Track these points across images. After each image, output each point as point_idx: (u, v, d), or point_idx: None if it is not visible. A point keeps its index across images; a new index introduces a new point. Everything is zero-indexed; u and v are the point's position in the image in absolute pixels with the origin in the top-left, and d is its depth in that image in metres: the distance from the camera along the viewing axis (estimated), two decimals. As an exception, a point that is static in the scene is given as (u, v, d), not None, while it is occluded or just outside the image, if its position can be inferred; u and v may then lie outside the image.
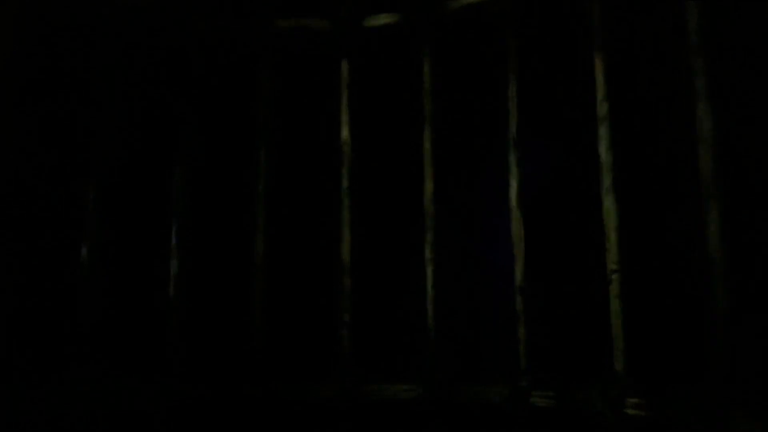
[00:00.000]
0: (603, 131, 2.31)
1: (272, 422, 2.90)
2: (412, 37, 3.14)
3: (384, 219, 3.09)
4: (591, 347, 2.41)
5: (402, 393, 2.82)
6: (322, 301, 3.07)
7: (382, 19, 3.17)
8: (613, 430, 2.17)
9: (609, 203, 2.28)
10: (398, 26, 3.17)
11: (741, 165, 1.95)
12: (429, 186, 2.95)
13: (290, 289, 3.11)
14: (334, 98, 3.21)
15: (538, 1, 2.72)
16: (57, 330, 2.73)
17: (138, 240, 3.00)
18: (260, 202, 3.13)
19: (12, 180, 2.73)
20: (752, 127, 1.94)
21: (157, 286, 2.92)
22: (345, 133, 3.13)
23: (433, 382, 2.76)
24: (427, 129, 3.00)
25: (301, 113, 3.27)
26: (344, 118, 3.14)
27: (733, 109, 1.98)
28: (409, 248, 2.94)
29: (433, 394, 2.75)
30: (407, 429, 2.78)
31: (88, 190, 2.83)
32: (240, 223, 3.14)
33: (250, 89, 3.22)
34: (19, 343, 2.66)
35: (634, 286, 2.21)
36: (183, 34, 3.11)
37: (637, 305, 2.21)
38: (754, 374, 1.87)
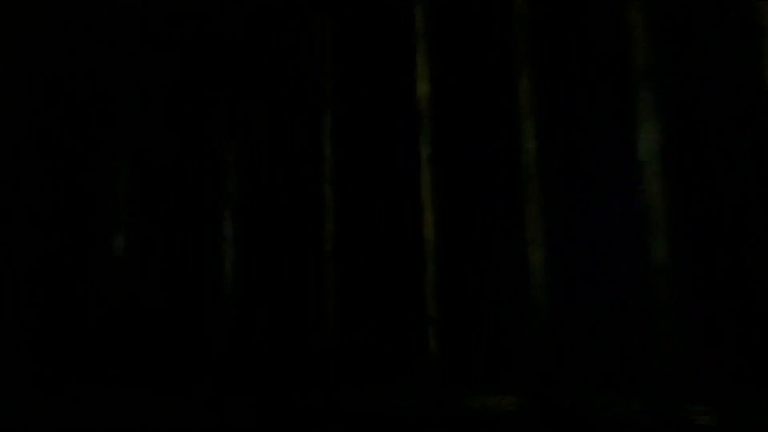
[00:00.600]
0: (780, 43, 1.67)
1: (346, 440, 2.39)
2: (502, -33, 2.56)
3: (476, 190, 2.52)
4: (762, 344, 1.77)
5: (505, 404, 2.25)
6: (403, 294, 2.53)
7: (464, -52, 2.61)
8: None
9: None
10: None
11: None
12: (531, 145, 2.36)
13: (364, 281, 2.59)
14: (407, 50, 2.68)
15: None
16: (86, 331, 2.33)
17: (184, 228, 2.56)
18: (327, 179, 2.63)
19: (30, 161, 2.35)
20: None
21: (206, 280, 2.48)
22: (424, 88, 2.58)
23: (545, 391, 2.17)
24: (524, 77, 2.42)
25: (370, 72, 2.75)
26: (422, 71, 2.60)
27: None
28: (509, 225, 2.36)
29: (546, 405, 2.16)
30: (514, 450, 2.20)
31: (120, 171, 2.41)
32: (304, 205, 2.65)
33: (309, 48, 2.73)
34: (42, 345, 2.28)
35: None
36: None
37: None
38: None
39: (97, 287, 2.42)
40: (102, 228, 2.49)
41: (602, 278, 2.25)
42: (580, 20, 2.33)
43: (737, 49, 1.81)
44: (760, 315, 1.78)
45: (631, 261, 2.18)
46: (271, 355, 2.51)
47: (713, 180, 1.84)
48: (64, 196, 2.44)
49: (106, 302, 2.42)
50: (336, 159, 2.64)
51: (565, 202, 2.31)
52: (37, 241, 2.36)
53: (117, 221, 2.49)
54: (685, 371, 1.88)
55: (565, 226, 2.29)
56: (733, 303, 1.81)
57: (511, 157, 2.45)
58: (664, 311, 1.90)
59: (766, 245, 1.73)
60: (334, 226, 2.60)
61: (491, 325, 2.42)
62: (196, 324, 2.50)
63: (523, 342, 2.30)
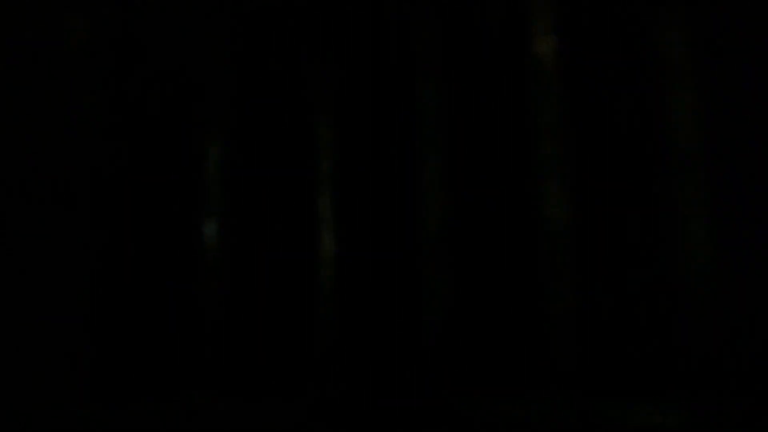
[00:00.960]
0: None
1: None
2: None
3: (616, 160, 2.14)
4: None
5: (661, 418, 1.90)
6: (528, 286, 2.19)
7: None
8: None
9: None
10: None
11: None
12: (687, 102, 1.96)
13: (479, 269, 2.25)
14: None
15: None
16: (174, 330, 2.07)
17: (277, 211, 2.26)
18: (435, 152, 2.28)
19: (111, 143, 2.07)
20: None
21: (300, 271, 2.18)
22: (545, 44, 2.19)
23: (712, 404, 1.81)
24: (673, 30, 2.01)
25: (477, 32, 2.36)
26: (544, 22, 2.21)
27: None
28: (662, 203, 1.98)
29: (716, 422, 1.80)
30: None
31: (207, 152, 2.11)
32: (408, 184, 2.31)
33: (406, 24, 2.36)
34: (126, 346, 2.03)
35: None
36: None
37: None
38: None
39: (186, 278, 2.16)
40: (192, 214, 2.21)
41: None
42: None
43: None
44: None
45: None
46: (375, 353, 2.21)
47: None
48: (149, 180, 2.17)
49: (196, 293, 2.16)
50: (440, 134, 2.29)
51: (734, 172, 1.91)
52: (120, 231, 2.10)
53: (208, 206, 2.20)
54: None
55: (737, 199, 1.90)
56: None
57: (660, 118, 2.06)
58: None
59: None
60: (442, 208, 2.26)
61: (640, 324, 2.06)
62: (295, 319, 2.21)
63: (679, 346, 1.93)
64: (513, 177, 2.24)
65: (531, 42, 2.23)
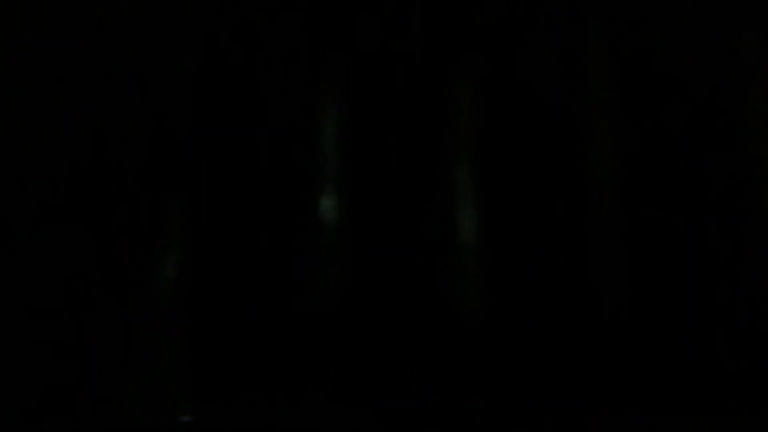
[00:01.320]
0: None
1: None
2: None
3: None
4: None
5: None
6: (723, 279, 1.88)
7: None
8: None
9: None
10: None
11: None
12: None
13: (660, 259, 1.93)
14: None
15: None
16: (281, 323, 1.81)
17: (403, 183, 2.00)
18: (605, 115, 1.98)
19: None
20: None
21: (433, 256, 1.90)
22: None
23: None
24: None
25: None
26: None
27: None
28: None
29: None
30: None
31: (323, 113, 1.86)
32: (575, 151, 2.03)
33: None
34: (229, 342, 1.79)
35: None
36: None
37: None
38: None
39: (296, 264, 1.90)
40: (302, 188, 1.96)
41: None
42: None
43: None
44: None
45: None
46: (535, 355, 1.89)
47: None
48: (254, 151, 1.93)
49: (307, 283, 1.90)
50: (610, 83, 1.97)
51: None
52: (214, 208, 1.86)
53: (321, 178, 1.93)
54: None
55: None
56: None
57: None
58: None
59: None
60: (619, 182, 1.91)
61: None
62: (425, 315, 1.92)
63: None
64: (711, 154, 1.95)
65: None
